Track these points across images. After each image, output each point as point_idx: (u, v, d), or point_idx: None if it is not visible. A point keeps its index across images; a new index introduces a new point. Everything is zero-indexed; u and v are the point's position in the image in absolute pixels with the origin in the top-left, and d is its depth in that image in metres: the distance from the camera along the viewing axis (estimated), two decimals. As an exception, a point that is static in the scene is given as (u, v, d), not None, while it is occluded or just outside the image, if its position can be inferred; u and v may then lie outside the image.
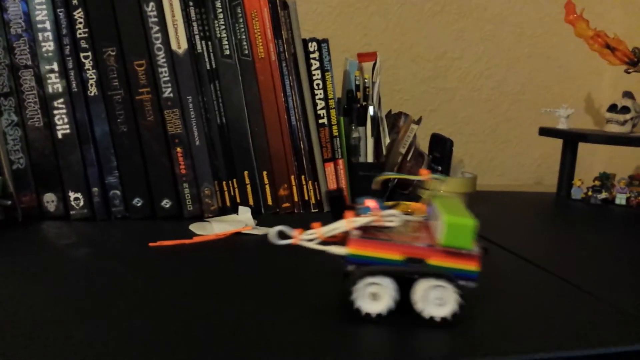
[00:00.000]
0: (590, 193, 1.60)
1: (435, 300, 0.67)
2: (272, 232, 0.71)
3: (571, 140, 1.68)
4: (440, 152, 1.47)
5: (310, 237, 0.72)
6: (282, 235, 0.71)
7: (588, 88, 2.20)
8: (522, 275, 0.92)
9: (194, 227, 1.12)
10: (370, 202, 0.73)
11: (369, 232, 0.70)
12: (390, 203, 0.88)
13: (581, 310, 0.77)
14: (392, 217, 0.72)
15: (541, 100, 2.18)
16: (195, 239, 1.02)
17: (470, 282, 0.68)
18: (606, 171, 1.66)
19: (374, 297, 0.68)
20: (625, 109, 1.66)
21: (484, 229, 1.02)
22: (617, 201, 1.59)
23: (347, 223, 0.71)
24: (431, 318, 0.68)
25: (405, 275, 0.67)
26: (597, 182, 1.61)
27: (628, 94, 1.72)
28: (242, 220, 1.16)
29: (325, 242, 0.72)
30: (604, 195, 1.59)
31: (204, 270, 0.86)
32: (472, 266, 0.67)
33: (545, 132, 1.74)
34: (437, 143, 1.50)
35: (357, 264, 0.68)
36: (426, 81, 2.06)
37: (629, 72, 1.74)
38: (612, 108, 1.68)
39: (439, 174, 1.48)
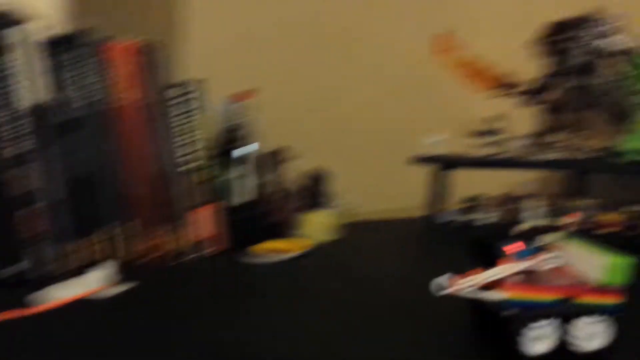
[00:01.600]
0: (460, 216, 1.68)
1: (592, 335, 0.74)
2: (435, 284, 0.75)
3: (443, 165, 1.75)
4: (315, 186, 1.51)
5: (469, 284, 0.75)
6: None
7: (464, 113, 2.29)
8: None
9: (36, 296, 1.04)
10: (519, 246, 0.76)
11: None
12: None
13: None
14: (554, 258, 0.77)
15: (435, 124, 2.24)
16: (35, 309, 0.97)
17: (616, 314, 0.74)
18: (478, 193, 1.75)
19: (539, 338, 0.73)
20: (492, 132, 1.75)
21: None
22: (485, 221, 1.68)
23: (508, 269, 0.73)
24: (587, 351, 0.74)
25: (570, 315, 0.73)
26: (466, 205, 1.69)
27: (495, 117, 1.82)
28: (91, 282, 1.13)
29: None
30: (473, 216, 1.67)
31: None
32: (617, 299, 0.74)
33: (419, 159, 1.81)
34: (312, 177, 1.53)
35: (516, 308, 0.73)
36: (311, 112, 2.08)
37: (498, 96, 1.83)
38: (482, 132, 1.77)
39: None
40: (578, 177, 1.86)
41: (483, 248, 0.80)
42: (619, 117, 1.65)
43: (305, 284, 1.13)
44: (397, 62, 2.17)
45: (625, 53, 1.60)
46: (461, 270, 0.77)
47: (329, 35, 2.05)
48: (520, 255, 0.76)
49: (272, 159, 1.58)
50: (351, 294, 1.05)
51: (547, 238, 0.83)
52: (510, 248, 0.76)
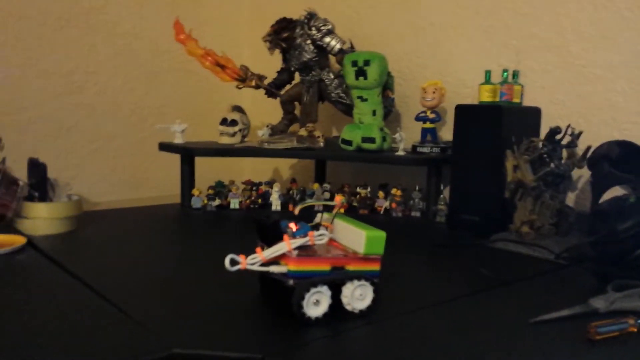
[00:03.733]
0: (205, 201, 1.73)
1: (359, 297, 0.89)
2: (226, 260, 0.84)
3: (185, 154, 1.78)
4: (37, 177, 1.42)
5: (254, 261, 0.86)
6: (233, 262, 0.85)
7: (228, 99, 2.37)
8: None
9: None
10: (296, 225, 0.89)
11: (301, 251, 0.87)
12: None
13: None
14: (322, 236, 0.90)
15: (185, 112, 2.27)
16: None
17: (375, 279, 0.90)
18: (223, 179, 1.81)
19: (317, 303, 0.86)
20: (234, 122, 1.83)
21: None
22: (232, 205, 1.75)
23: (288, 245, 0.86)
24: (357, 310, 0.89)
25: (337, 281, 0.88)
26: (211, 191, 1.74)
27: (237, 108, 1.91)
28: None
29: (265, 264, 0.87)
30: (217, 202, 1.73)
31: None
32: (377, 267, 0.92)
33: (164, 147, 1.82)
34: (33, 168, 1.44)
35: (297, 278, 0.85)
36: (59, 97, 1.97)
37: (239, 88, 1.92)
38: (224, 121, 1.83)
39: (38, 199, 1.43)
40: (318, 164, 2.04)
41: (265, 228, 0.91)
42: (346, 110, 1.85)
43: (17, 280, 1.06)
44: (147, 48, 2.15)
45: (343, 52, 1.79)
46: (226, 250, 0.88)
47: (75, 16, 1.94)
48: (298, 233, 0.88)
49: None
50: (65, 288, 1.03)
51: (319, 217, 0.97)
52: (289, 227, 0.89)
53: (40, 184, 1.41)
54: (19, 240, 1.27)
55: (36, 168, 1.41)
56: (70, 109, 2.00)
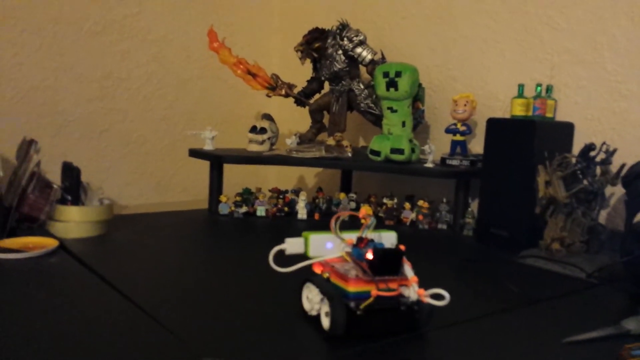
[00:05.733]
0: (232, 208, 1.74)
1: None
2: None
3: (214, 160, 1.79)
4: (70, 181, 1.44)
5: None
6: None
7: (257, 107, 2.39)
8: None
9: None
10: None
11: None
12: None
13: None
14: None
15: (214, 118, 2.30)
16: None
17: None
18: (248, 186, 1.82)
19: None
20: (263, 130, 1.84)
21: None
22: (258, 213, 1.76)
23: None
24: None
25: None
26: (238, 198, 1.75)
27: (267, 116, 1.92)
28: None
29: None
30: (244, 209, 1.74)
31: None
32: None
33: (194, 153, 1.84)
34: (67, 172, 1.47)
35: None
36: (92, 101, 2.01)
37: (269, 96, 1.93)
38: (253, 129, 1.85)
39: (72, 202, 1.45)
40: (344, 173, 2.04)
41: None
42: (374, 120, 1.85)
43: (49, 283, 1.08)
44: (179, 55, 2.18)
45: (374, 63, 1.79)
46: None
47: (110, 22, 1.98)
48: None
49: (28, 150, 1.48)
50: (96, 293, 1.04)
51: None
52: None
53: (73, 187, 1.43)
54: (51, 243, 1.30)
55: (70, 172, 1.44)
56: (102, 114, 2.04)
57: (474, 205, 1.67)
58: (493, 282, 1.18)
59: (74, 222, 1.41)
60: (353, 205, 1.81)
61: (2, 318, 0.89)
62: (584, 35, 1.53)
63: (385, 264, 0.85)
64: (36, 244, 1.31)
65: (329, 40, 1.82)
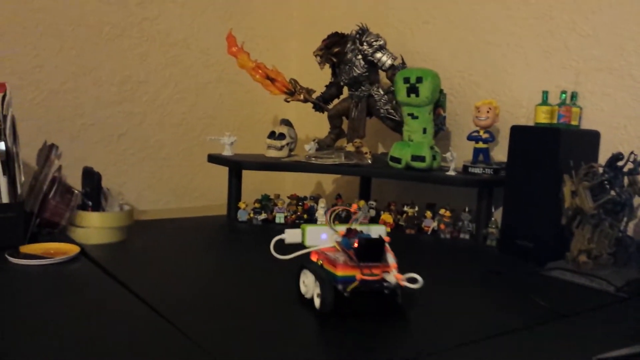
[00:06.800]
0: (251, 215, 1.72)
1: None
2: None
3: (232, 166, 1.78)
4: (91, 187, 1.44)
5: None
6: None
7: (274, 112, 2.38)
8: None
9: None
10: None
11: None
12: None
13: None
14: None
15: (232, 123, 2.30)
16: None
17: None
18: (265, 191, 1.81)
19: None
20: (282, 136, 1.82)
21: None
22: (277, 220, 1.74)
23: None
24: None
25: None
26: (257, 204, 1.74)
27: (285, 122, 1.90)
28: None
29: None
30: (263, 216, 1.73)
31: None
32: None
33: (213, 159, 1.83)
34: (87, 177, 1.46)
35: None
36: (111, 105, 2.01)
37: (288, 101, 1.92)
38: (271, 135, 1.83)
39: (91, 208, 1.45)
40: (363, 180, 2.02)
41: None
42: (394, 126, 1.83)
43: (71, 289, 1.07)
44: (197, 59, 2.17)
45: (394, 68, 1.77)
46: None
47: (129, 25, 1.98)
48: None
49: (49, 154, 1.48)
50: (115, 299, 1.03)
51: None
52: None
53: (94, 193, 1.43)
54: (72, 249, 1.29)
55: (91, 177, 1.44)
56: (121, 117, 2.04)
57: (496, 215, 1.64)
58: (518, 295, 1.16)
59: (94, 227, 1.41)
60: (373, 213, 1.79)
61: (25, 323, 0.88)
62: (610, 42, 1.50)
63: (368, 252, 0.97)
64: (57, 249, 1.31)
65: (348, 45, 1.80)
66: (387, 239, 1.00)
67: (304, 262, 1.04)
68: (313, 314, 0.98)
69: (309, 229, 1.04)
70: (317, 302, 0.98)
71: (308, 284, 1.02)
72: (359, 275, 0.94)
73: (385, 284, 0.96)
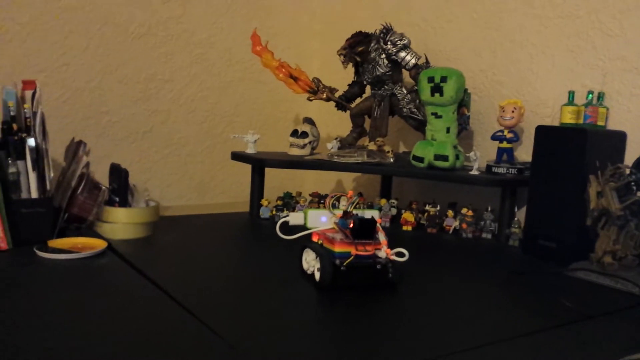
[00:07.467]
0: (273, 212, 1.74)
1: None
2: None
3: (256, 164, 1.80)
4: (118, 183, 1.46)
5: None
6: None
7: (296, 110, 2.40)
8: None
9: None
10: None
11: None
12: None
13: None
14: None
15: (254, 121, 2.31)
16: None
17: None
18: (286, 189, 1.82)
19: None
20: (304, 134, 1.83)
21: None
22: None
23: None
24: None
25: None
26: (279, 202, 1.75)
27: (308, 120, 1.91)
28: None
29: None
30: (285, 213, 1.74)
31: None
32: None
33: (236, 157, 1.85)
34: (115, 173, 1.49)
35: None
36: (136, 103, 2.04)
37: (310, 100, 1.93)
38: (294, 133, 1.84)
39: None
40: (384, 178, 2.02)
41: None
42: (417, 125, 1.82)
43: (99, 283, 1.09)
44: (221, 58, 2.19)
45: (418, 67, 1.76)
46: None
47: (154, 24, 2.01)
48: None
49: (77, 151, 1.51)
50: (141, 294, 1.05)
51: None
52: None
53: (121, 189, 1.45)
54: (100, 244, 1.32)
55: (118, 173, 1.46)
56: (146, 115, 2.06)
57: (519, 215, 1.63)
58: (543, 297, 1.15)
59: (121, 223, 1.43)
60: (394, 211, 1.79)
61: (54, 317, 0.90)
62: (638, 42, 1.48)
63: (362, 230, 1.09)
64: (85, 244, 1.33)
65: (372, 44, 1.80)
66: (379, 220, 1.13)
67: (306, 242, 1.18)
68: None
69: (311, 212, 1.20)
70: (317, 275, 1.09)
71: (309, 261, 1.15)
72: (354, 251, 1.08)
73: (377, 260, 1.10)
